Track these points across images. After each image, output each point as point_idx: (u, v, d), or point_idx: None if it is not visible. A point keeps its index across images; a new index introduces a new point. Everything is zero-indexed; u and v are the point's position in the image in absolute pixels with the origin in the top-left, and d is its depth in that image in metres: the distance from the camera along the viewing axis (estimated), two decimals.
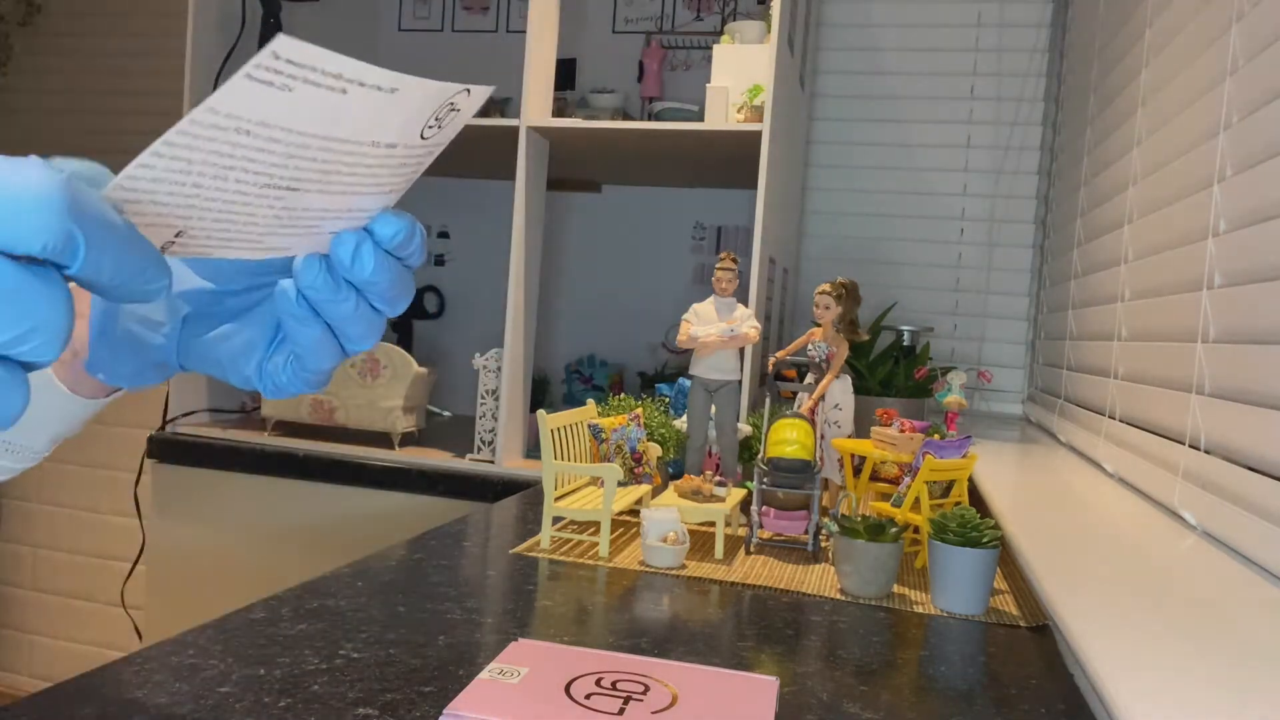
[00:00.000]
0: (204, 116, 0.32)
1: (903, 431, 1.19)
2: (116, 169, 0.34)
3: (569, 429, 1.15)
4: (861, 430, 1.29)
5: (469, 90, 0.38)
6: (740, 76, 1.70)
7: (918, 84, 2.31)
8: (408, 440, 1.88)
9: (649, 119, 1.97)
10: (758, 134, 1.62)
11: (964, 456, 1.07)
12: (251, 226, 0.38)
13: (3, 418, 0.31)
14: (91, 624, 2.77)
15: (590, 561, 1.02)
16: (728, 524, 1.14)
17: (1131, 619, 0.68)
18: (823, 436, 1.25)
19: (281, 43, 0.31)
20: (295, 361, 0.46)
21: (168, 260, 0.36)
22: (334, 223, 0.41)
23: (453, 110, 0.39)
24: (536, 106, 1.77)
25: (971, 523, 0.91)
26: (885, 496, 1.18)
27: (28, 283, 0.30)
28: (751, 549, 1.10)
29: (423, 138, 0.39)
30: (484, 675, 0.55)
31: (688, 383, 1.32)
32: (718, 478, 1.17)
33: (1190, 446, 0.98)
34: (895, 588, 0.98)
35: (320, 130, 0.35)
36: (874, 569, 0.94)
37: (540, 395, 2.27)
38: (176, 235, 0.37)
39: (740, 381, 1.30)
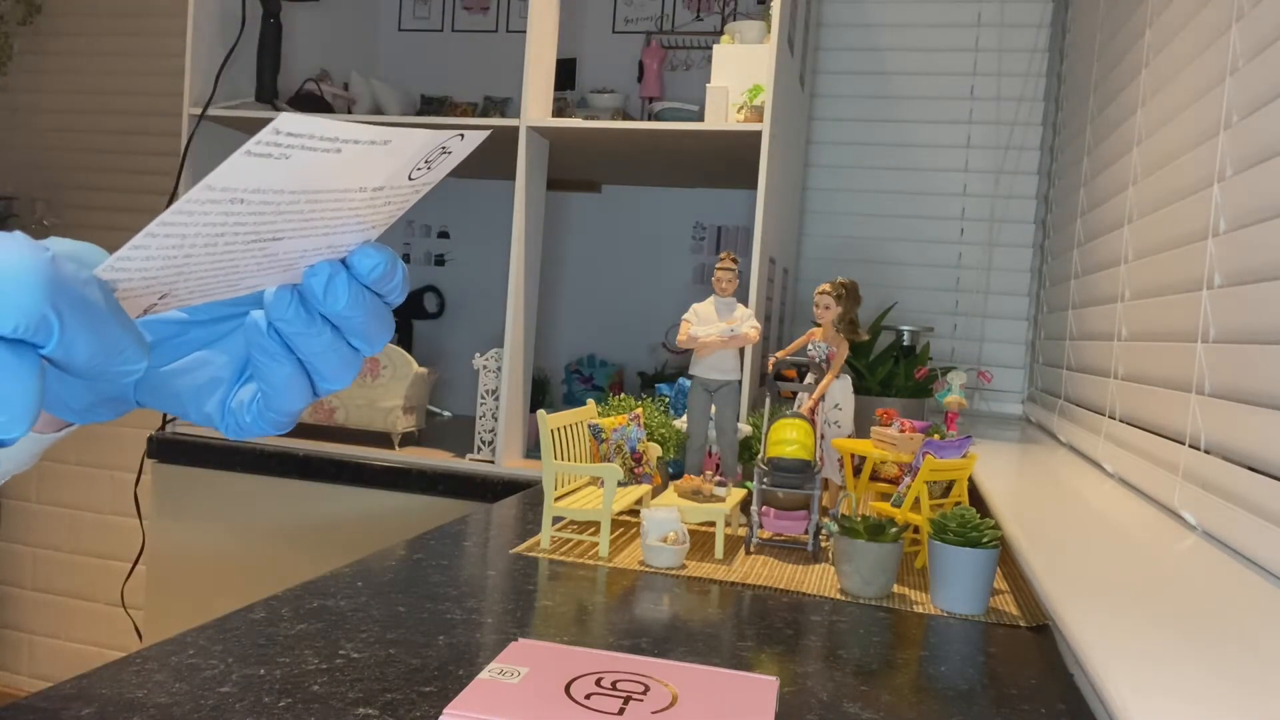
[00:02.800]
0: (202, 195, 0.32)
1: (903, 431, 1.19)
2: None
3: (569, 429, 1.15)
4: (861, 430, 1.29)
5: (462, 135, 0.38)
6: (740, 76, 1.70)
7: (918, 84, 2.31)
8: (408, 440, 1.88)
9: (649, 119, 1.97)
10: (758, 134, 1.62)
11: (964, 456, 1.07)
12: (234, 274, 0.38)
13: None
14: (91, 624, 2.77)
15: (590, 561, 1.02)
16: (728, 524, 1.14)
17: (1131, 619, 0.68)
18: (823, 436, 1.25)
19: (285, 120, 0.30)
20: (262, 400, 0.43)
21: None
22: (313, 258, 0.40)
23: (444, 153, 0.38)
24: (536, 106, 1.77)
25: (971, 523, 0.91)
26: (885, 496, 1.18)
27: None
28: (751, 549, 1.10)
29: (410, 179, 0.39)
30: (484, 675, 0.55)
31: (688, 383, 1.32)
32: (718, 478, 1.17)
33: (1190, 446, 0.98)
34: (895, 588, 0.98)
35: (310, 186, 0.34)
36: (874, 569, 0.94)
37: (540, 395, 2.27)
38: (161, 298, 0.36)
39: (740, 381, 1.30)
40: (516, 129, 1.74)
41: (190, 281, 0.36)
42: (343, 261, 0.41)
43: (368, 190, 0.37)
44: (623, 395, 1.46)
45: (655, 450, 1.32)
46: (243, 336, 0.42)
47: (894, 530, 0.97)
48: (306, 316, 0.40)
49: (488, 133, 0.40)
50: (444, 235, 2.65)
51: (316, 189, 0.35)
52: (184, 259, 0.34)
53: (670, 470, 1.41)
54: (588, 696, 0.53)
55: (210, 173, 0.31)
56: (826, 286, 1.28)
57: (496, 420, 1.76)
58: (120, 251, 0.33)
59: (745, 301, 1.51)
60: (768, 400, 1.25)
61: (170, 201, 1.85)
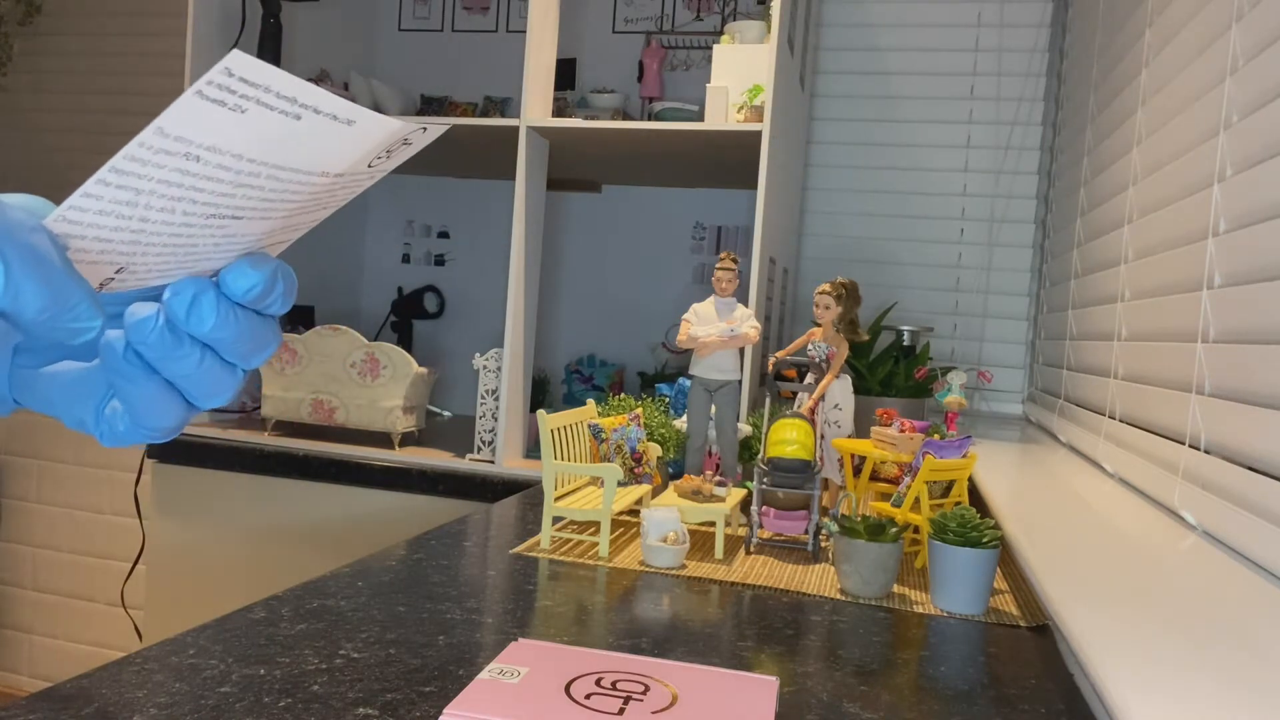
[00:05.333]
0: (152, 139, 0.30)
1: (903, 431, 1.19)
2: None
3: (569, 429, 1.15)
4: (861, 430, 1.29)
5: (424, 129, 0.37)
6: (740, 76, 1.70)
7: (918, 84, 2.31)
8: (408, 440, 1.88)
9: (649, 119, 1.97)
10: (758, 134, 1.62)
11: (964, 456, 1.07)
12: (190, 256, 0.36)
13: None
14: (91, 624, 2.77)
15: (590, 561, 1.02)
16: (728, 524, 1.14)
17: (1131, 619, 0.68)
18: (823, 436, 1.25)
19: (235, 59, 0.29)
20: (130, 416, 0.39)
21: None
22: (271, 245, 0.39)
23: (405, 144, 0.38)
24: (536, 106, 1.77)
25: (971, 523, 0.91)
26: (885, 496, 1.18)
27: None
28: (751, 549, 1.10)
29: (369, 166, 0.38)
30: (484, 675, 0.55)
31: (688, 383, 1.32)
32: (718, 478, 1.17)
33: (1190, 446, 0.98)
34: (895, 588, 0.98)
35: (271, 159, 0.33)
36: (874, 569, 0.94)
37: (540, 395, 2.27)
38: (117, 272, 0.35)
39: (740, 381, 1.30)
40: (516, 129, 1.74)
41: (148, 257, 0.35)
42: (211, 279, 0.38)
43: (329, 175, 0.36)
44: (623, 395, 1.46)
45: (655, 450, 1.32)
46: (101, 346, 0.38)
47: (894, 530, 0.97)
48: (172, 339, 0.37)
49: (447, 127, 0.40)
50: (444, 235, 2.65)
51: (278, 164, 0.34)
52: (139, 221, 0.33)
53: (670, 470, 1.41)
54: (588, 696, 0.53)
55: (160, 115, 0.30)
56: (826, 286, 1.28)
57: (496, 420, 1.76)
58: (70, 200, 0.31)
59: (745, 301, 1.51)
60: (768, 400, 1.25)
61: None
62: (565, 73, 2.37)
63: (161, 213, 0.33)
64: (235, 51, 0.29)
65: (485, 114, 2.44)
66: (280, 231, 0.39)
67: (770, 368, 1.27)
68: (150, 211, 0.33)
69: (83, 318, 0.32)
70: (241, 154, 0.32)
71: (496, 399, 1.77)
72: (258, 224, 0.37)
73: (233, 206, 0.35)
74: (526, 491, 1.45)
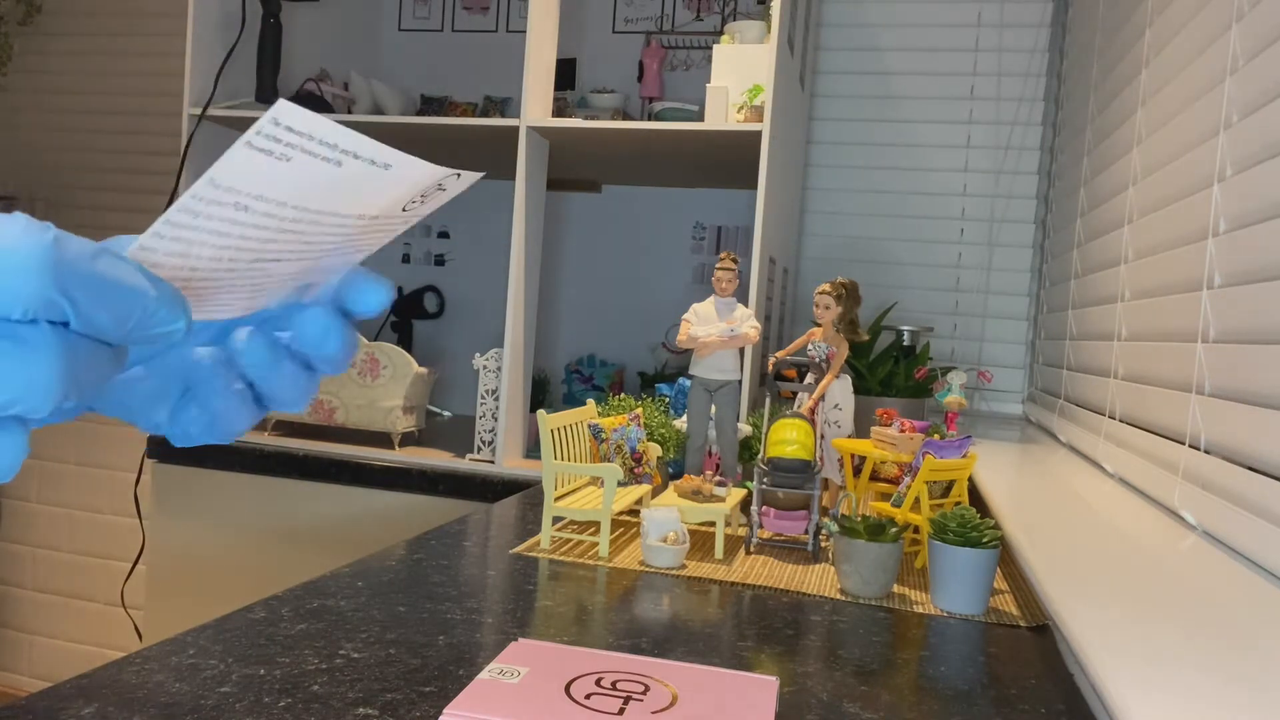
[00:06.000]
0: (205, 191, 0.31)
1: (903, 431, 1.19)
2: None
3: (569, 429, 1.15)
4: (861, 430, 1.29)
5: (459, 175, 0.38)
6: (740, 76, 1.70)
7: (918, 84, 2.31)
8: (408, 440, 1.87)
9: (649, 119, 1.97)
10: (758, 134, 1.62)
11: (964, 456, 1.07)
12: (231, 295, 0.37)
13: (2, 471, 0.31)
14: (91, 624, 2.77)
15: (590, 561, 1.02)
16: (728, 524, 1.14)
17: (1131, 619, 0.68)
18: (823, 436, 1.25)
19: (282, 108, 0.30)
20: (208, 421, 0.41)
21: None
22: (298, 285, 0.39)
23: (440, 190, 0.38)
24: (536, 106, 1.77)
25: (971, 523, 0.91)
26: (885, 496, 1.18)
27: (11, 348, 0.29)
28: (751, 549, 1.10)
29: (403, 210, 0.38)
30: (484, 675, 0.55)
31: (688, 383, 1.32)
32: (718, 478, 1.17)
33: (1190, 446, 0.98)
34: (895, 588, 0.98)
35: (312, 204, 0.34)
36: (874, 569, 0.94)
37: (540, 395, 2.27)
38: None
39: (740, 381, 1.30)
40: (516, 129, 1.74)
41: (194, 299, 0.36)
42: (340, 308, 0.39)
43: (365, 218, 0.37)
44: (623, 395, 1.46)
45: (655, 450, 1.32)
46: (181, 355, 0.40)
47: (894, 530, 0.97)
48: (274, 357, 0.39)
49: (480, 175, 0.40)
50: (444, 235, 2.65)
51: (319, 209, 0.35)
52: (189, 271, 0.34)
53: (670, 470, 1.41)
54: (588, 696, 0.53)
55: (212, 166, 0.31)
56: (826, 286, 1.28)
57: (496, 420, 1.76)
58: (131, 250, 0.33)
59: (745, 301, 1.51)
60: (768, 400, 1.25)
61: (170, 201, 1.86)
62: (565, 73, 2.37)
63: (210, 261, 0.34)
64: (281, 101, 0.30)
65: (485, 114, 2.44)
66: (314, 272, 0.39)
67: (770, 368, 1.27)
68: (200, 262, 0.34)
69: (164, 322, 0.33)
70: (286, 200, 0.33)
71: (496, 399, 1.77)
72: (293, 265, 0.37)
73: (275, 251, 0.35)
74: (526, 491, 1.45)
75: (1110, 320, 1.39)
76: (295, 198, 0.34)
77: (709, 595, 0.94)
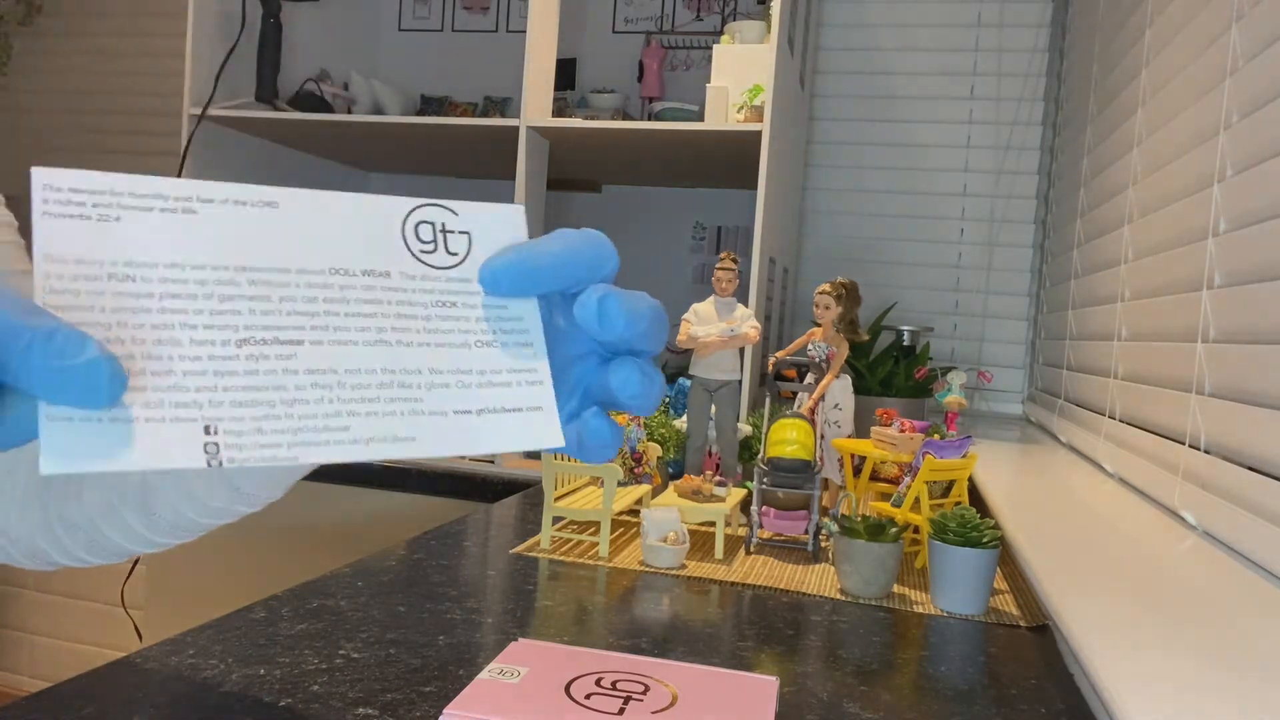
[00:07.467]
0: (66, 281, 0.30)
1: (903, 431, 1.19)
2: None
3: None
4: (861, 430, 1.29)
5: (445, 206, 0.37)
6: (740, 76, 1.70)
7: (918, 84, 2.31)
8: None
9: (649, 119, 1.97)
10: (758, 134, 1.62)
11: (964, 456, 1.07)
12: (306, 414, 0.33)
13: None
14: (91, 624, 2.77)
15: (590, 561, 1.02)
16: (728, 524, 1.14)
17: (1131, 619, 0.68)
18: (823, 436, 1.25)
19: (39, 174, 0.30)
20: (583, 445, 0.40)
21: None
22: (464, 406, 0.36)
23: (445, 231, 0.37)
24: (536, 106, 1.77)
25: (971, 523, 0.91)
26: (885, 496, 1.18)
27: None
28: (751, 549, 1.10)
29: (430, 265, 0.36)
30: (484, 675, 0.55)
31: (688, 383, 1.32)
32: (718, 478, 1.17)
33: (1190, 446, 0.98)
34: (895, 588, 0.98)
35: (240, 261, 0.33)
36: (874, 569, 0.94)
37: None
38: (207, 431, 0.31)
39: (740, 381, 1.30)
40: (516, 129, 1.74)
41: (230, 407, 0.32)
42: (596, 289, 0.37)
43: (356, 274, 0.35)
44: None
45: (655, 450, 1.32)
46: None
47: (894, 530, 0.97)
48: (646, 379, 0.37)
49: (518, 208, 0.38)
50: None
51: (246, 265, 0.33)
52: (169, 347, 0.31)
53: (670, 470, 1.41)
54: (588, 696, 0.53)
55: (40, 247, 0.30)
56: (826, 286, 1.28)
57: None
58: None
59: (745, 301, 1.51)
60: (768, 400, 1.25)
61: None
62: (565, 73, 2.37)
63: (184, 329, 0.32)
64: (35, 170, 0.30)
65: (485, 114, 2.44)
66: (402, 374, 0.35)
67: (770, 368, 1.27)
68: (153, 332, 0.31)
69: (66, 353, 0.27)
70: (203, 263, 0.32)
71: None
72: (340, 355, 0.34)
73: (257, 327, 0.33)
74: (526, 491, 1.45)
75: (1110, 320, 1.39)
76: (195, 256, 0.32)
77: (709, 595, 0.94)
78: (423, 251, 0.36)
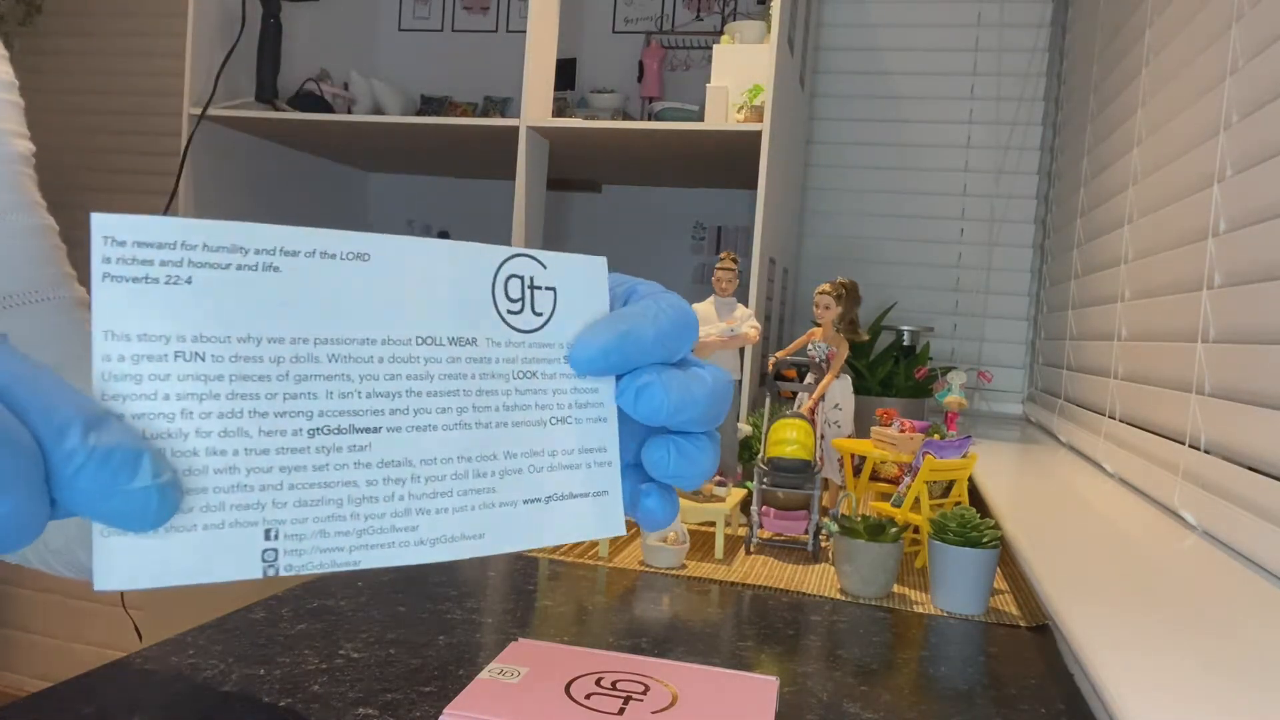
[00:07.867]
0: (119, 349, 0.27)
1: (903, 431, 1.19)
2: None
3: None
4: (861, 430, 1.29)
5: (533, 257, 0.34)
6: (740, 76, 1.70)
7: (918, 84, 2.31)
8: None
9: (649, 119, 1.97)
10: (758, 134, 1.62)
11: (964, 456, 1.07)
12: (375, 515, 0.31)
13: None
14: (91, 624, 2.77)
15: (590, 561, 1.02)
16: (728, 524, 1.14)
17: (1131, 619, 0.68)
18: (823, 436, 1.25)
19: (100, 221, 0.27)
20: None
21: None
22: (531, 494, 0.34)
23: (533, 287, 0.34)
24: (536, 106, 1.77)
25: (971, 523, 0.91)
26: (885, 496, 1.18)
27: None
28: (751, 549, 1.10)
29: (516, 329, 0.34)
30: (484, 675, 0.55)
31: None
32: (718, 478, 1.17)
33: (1190, 446, 0.98)
34: (895, 588, 0.98)
35: (309, 333, 0.29)
36: (874, 569, 0.94)
37: None
38: (268, 535, 0.29)
39: (740, 381, 1.30)
40: (516, 129, 1.74)
41: (294, 508, 0.30)
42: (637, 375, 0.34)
43: (443, 344, 0.32)
44: None
45: None
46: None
47: (894, 530, 0.97)
48: (681, 456, 0.35)
49: (598, 260, 0.36)
50: (444, 235, 2.65)
51: (324, 336, 0.30)
52: (225, 437, 0.28)
53: None
54: (588, 696, 0.53)
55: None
56: (826, 286, 1.28)
57: None
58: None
59: (745, 301, 1.51)
60: (768, 400, 1.25)
61: (170, 203, 1.85)
62: (565, 73, 2.37)
63: (252, 418, 0.28)
64: (95, 216, 0.27)
65: (485, 114, 2.44)
66: (478, 460, 0.33)
67: (770, 368, 1.27)
68: (220, 423, 0.28)
69: (118, 480, 0.25)
70: (249, 335, 0.29)
71: None
72: (417, 443, 0.31)
73: (330, 412, 0.30)
74: None
75: (1110, 320, 1.39)
76: (265, 328, 0.29)
77: (709, 595, 0.94)
78: (510, 312, 0.34)
